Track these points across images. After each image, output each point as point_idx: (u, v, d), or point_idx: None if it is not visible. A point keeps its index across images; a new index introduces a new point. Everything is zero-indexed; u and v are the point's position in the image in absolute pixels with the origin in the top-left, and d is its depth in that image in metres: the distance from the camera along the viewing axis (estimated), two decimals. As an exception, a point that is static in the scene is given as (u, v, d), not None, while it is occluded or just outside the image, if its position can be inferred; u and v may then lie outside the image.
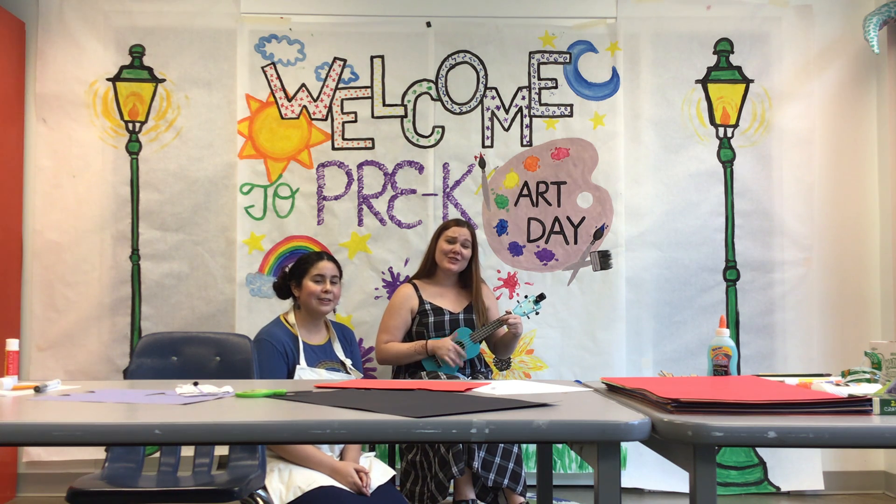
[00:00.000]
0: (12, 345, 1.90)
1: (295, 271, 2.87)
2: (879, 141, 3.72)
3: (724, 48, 3.72)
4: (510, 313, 3.16)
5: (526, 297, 3.30)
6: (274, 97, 3.65)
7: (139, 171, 3.64)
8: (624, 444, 3.20)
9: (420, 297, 3.22)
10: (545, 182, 3.68)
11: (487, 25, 3.70)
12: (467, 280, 3.29)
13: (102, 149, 3.64)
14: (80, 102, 3.63)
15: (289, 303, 2.94)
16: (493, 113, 3.69)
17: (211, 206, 3.63)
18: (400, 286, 3.34)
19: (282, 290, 2.91)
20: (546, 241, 3.67)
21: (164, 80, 3.65)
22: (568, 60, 3.70)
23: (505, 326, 3.15)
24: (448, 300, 3.24)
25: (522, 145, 3.69)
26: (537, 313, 3.31)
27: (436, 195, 3.67)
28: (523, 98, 3.69)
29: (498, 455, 2.83)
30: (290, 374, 2.68)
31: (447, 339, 3.08)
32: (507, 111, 3.69)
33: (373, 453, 2.78)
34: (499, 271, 3.66)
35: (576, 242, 3.67)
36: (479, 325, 3.20)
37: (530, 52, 3.70)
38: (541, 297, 3.27)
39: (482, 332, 3.16)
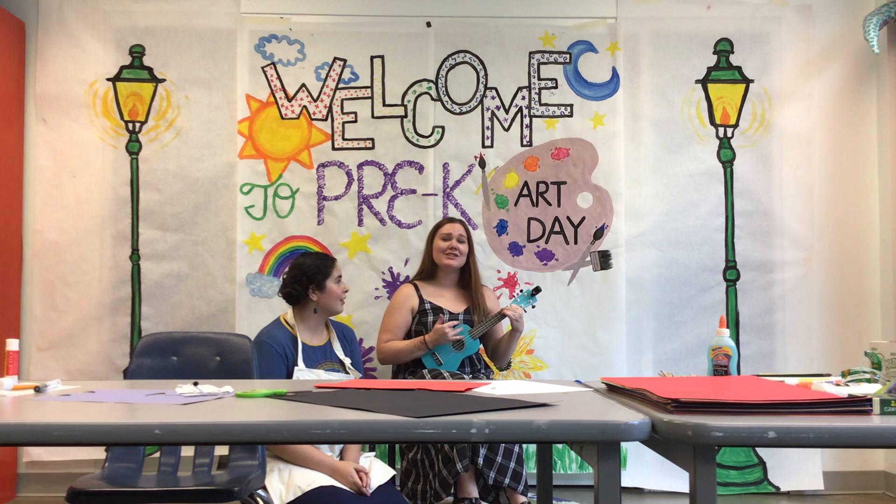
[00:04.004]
0: (12, 345, 1.90)
1: (315, 276, 2.80)
2: (879, 141, 3.72)
3: (724, 48, 3.72)
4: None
5: (521, 291, 3.29)
6: (274, 97, 3.65)
7: (139, 171, 3.64)
8: (624, 444, 3.20)
9: (420, 297, 3.22)
10: (545, 182, 3.68)
11: (487, 25, 3.70)
12: (467, 281, 3.30)
13: (102, 149, 3.64)
14: (80, 102, 3.63)
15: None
16: (493, 113, 3.69)
17: (211, 206, 3.63)
18: (401, 286, 3.34)
19: (300, 297, 2.81)
20: (546, 241, 3.67)
21: (164, 80, 3.65)
22: (568, 60, 3.70)
23: (507, 320, 3.14)
24: (448, 300, 3.25)
25: (522, 145, 3.69)
26: (533, 307, 3.29)
27: (436, 195, 3.67)
28: (523, 98, 3.69)
29: (500, 454, 2.84)
30: (289, 376, 2.68)
31: (436, 326, 3.06)
32: (507, 111, 3.69)
33: (373, 453, 2.78)
34: (499, 271, 3.66)
35: (576, 242, 3.67)
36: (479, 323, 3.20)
37: (530, 52, 3.70)
38: (536, 290, 3.25)
39: (481, 327, 3.16)
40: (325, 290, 2.81)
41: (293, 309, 2.85)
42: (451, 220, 3.31)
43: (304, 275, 2.81)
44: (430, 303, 3.21)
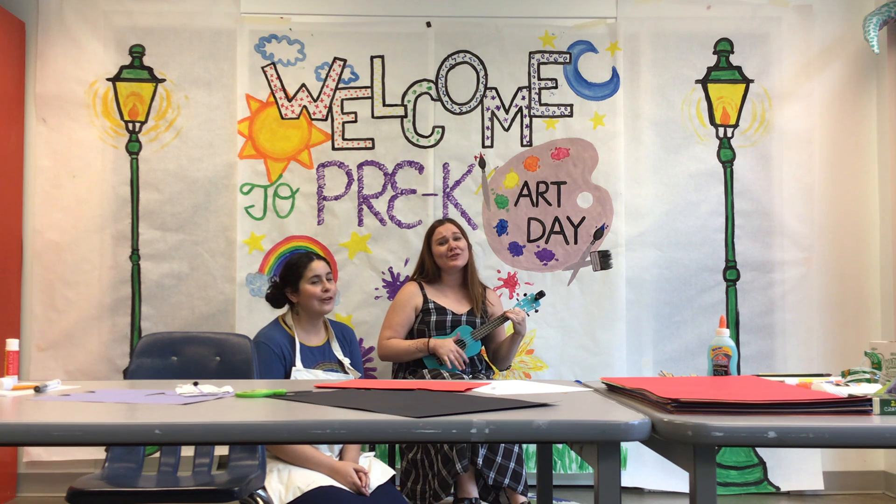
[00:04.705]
0: (12, 345, 1.90)
1: (289, 278, 2.82)
2: (879, 141, 3.72)
3: (724, 48, 3.72)
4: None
5: (525, 294, 3.30)
6: (274, 97, 3.65)
7: (139, 171, 3.64)
8: (624, 444, 3.20)
9: (425, 296, 3.23)
10: (545, 182, 3.68)
11: (487, 25, 3.70)
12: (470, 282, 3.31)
13: (102, 149, 3.64)
14: (80, 102, 3.63)
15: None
16: (493, 113, 3.69)
17: (211, 206, 3.63)
18: (405, 284, 3.34)
19: (277, 299, 2.86)
20: (546, 241, 3.67)
21: (164, 80, 3.65)
22: (568, 60, 3.70)
23: (510, 323, 3.15)
24: (452, 301, 3.25)
25: (522, 145, 3.69)
26: (536, 311, 3.31)
27: (436, 195, 3.67)
28: (523, 98, 3.69)
29: (499, 454, 2.84)
30: (287, 377, 2.68)
31: (449, 340, 3.08)
32: (507, 111, 3.69)
33: (372, 453, 2.78)
34: (499, 271, 3.66)
35: (576, 242, 3.67)
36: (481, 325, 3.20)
37: (530, 52, 3.70)
38: (540, 294, 3.27)
39: (484, 329, 3.16)
40: (299, 291, 2.81)
41: (290, 309, 2.86)
42: (441, 221, 3.31)
43: (281, 277, 2.86)
44: (433, 302, 3.21)
